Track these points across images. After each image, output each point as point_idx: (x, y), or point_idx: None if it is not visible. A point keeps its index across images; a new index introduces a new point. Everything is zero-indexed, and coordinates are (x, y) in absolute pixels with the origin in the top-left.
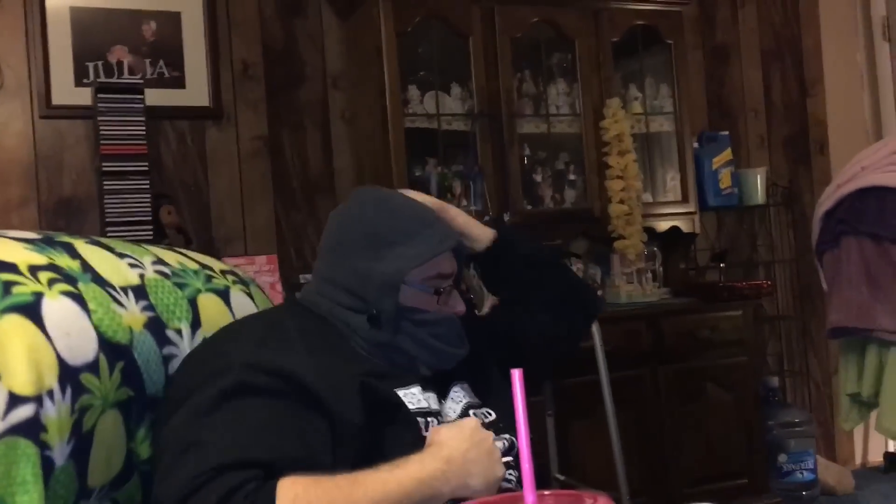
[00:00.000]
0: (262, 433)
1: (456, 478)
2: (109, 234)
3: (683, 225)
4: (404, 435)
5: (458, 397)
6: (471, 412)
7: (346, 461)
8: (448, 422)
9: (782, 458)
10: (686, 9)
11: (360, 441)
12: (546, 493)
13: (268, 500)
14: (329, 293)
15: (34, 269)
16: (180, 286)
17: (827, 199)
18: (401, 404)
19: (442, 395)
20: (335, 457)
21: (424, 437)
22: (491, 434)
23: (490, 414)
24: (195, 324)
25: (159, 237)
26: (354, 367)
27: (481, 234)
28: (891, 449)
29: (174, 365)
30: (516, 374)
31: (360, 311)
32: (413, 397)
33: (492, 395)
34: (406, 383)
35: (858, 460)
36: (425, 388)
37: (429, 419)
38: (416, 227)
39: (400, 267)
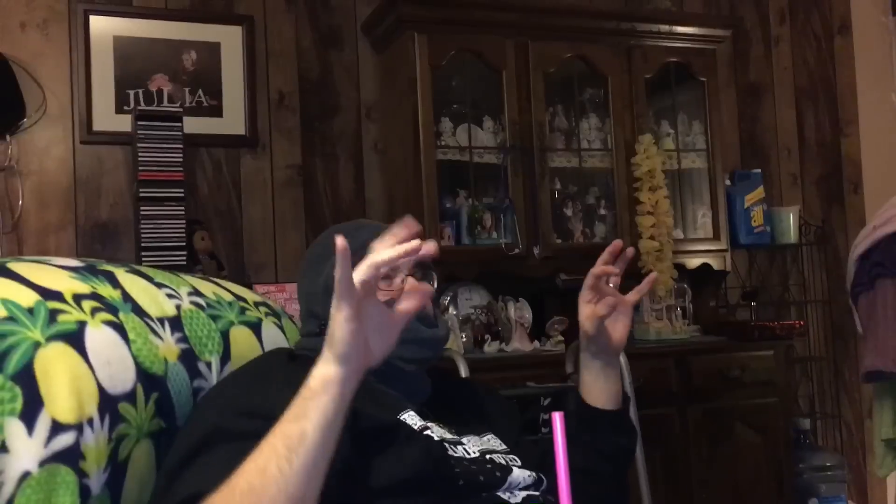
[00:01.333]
0: (223, 470)
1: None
2: (144, 259)
3: (714, 262)
4: (404, 451)
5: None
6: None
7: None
8: (466, 449)
9: (813, 502)
10: (719, 46)
11: (343, 469)
12: None
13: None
14: (303, 332)
15: (78, 298)
16: (214, 318)
17: (862, 241)
18: (399, 424)
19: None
20: None
21: (435, 448)
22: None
23: (516, 460)
24: (225, 357)
25: (192, 263)
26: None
27: (614, 396)
28: None
29: (200, 398)
30: (557, 417)
31: (317, 332)
32: (412, 419)
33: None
34: (400, 409)
35: None
36: (424, 417)
37: (434, 433)
38: (346, 233)
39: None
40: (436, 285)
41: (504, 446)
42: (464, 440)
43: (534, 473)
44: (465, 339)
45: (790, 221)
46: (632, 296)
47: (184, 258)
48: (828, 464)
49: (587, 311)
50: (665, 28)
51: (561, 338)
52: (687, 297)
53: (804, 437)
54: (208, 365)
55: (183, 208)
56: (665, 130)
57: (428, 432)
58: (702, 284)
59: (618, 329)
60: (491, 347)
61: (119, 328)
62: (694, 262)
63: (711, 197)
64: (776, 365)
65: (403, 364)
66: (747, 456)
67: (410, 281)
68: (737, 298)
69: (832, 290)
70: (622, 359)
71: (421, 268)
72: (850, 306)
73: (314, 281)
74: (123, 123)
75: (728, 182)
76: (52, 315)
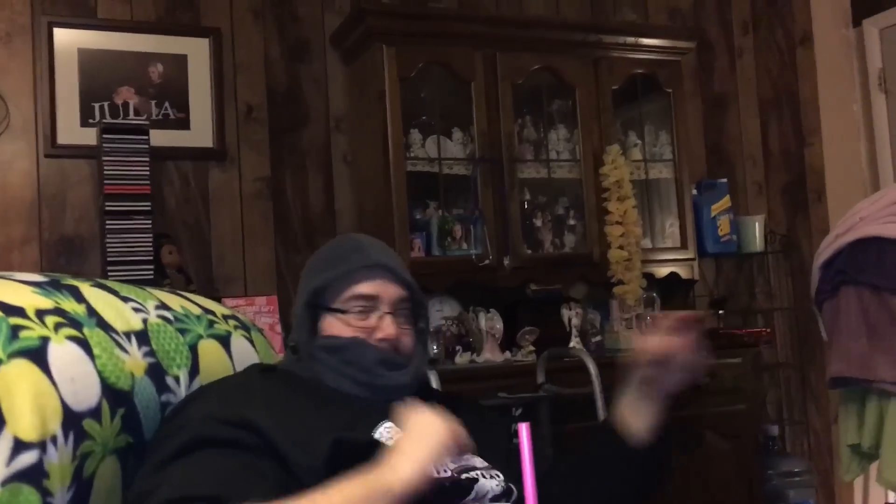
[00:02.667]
0: (210, 475)
1: (391, 456)
2: (110, 273)
3: (682, 271)
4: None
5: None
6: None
7: None
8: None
9: None
10: (685, 58)
11: (318, 483)
12: None
13: None
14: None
15: (41, 313)
16: (182, 332)
17: (826, 249)
18: (375, 443)
19: None
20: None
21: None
22: (432, 414)
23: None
24: (193, 371)
25: (160, 277)
26: (323, 421)
27: (648, 426)
28: (891, 500)
29: (168, 411)
30: (523, 428)
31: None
32: (388, 432)
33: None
34: (376, 421)
35: None
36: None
37: None
38: (339, 254)
39: (312, 288)
40: (428, 324)
41: (484, 463)
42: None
43: (503, 483)
44: (436, 351)
45: (756, 230)
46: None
47: (151, 272)
48: (796, 469)
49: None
50: (631, 40)
51: (532, 348)
52: (656, 305)
53: (773, 444)
54: (176, 379)
55: (150, 222)
56: (632, 141)
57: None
58: (670, 293)
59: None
60: (462, 358)
61: (83, 343)
62: (662, 271)
63: (679, 206)
64: (744, 372)
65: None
66: (718, 463)
67: (387, 320)
68: (705, 307)
69: (798, 297)
70: (592, 369)
71: (411, 305)
72: (814, 313)
73: (297, 299)
74: (89, 137)
75: (695, 191)
76: (14, 331)
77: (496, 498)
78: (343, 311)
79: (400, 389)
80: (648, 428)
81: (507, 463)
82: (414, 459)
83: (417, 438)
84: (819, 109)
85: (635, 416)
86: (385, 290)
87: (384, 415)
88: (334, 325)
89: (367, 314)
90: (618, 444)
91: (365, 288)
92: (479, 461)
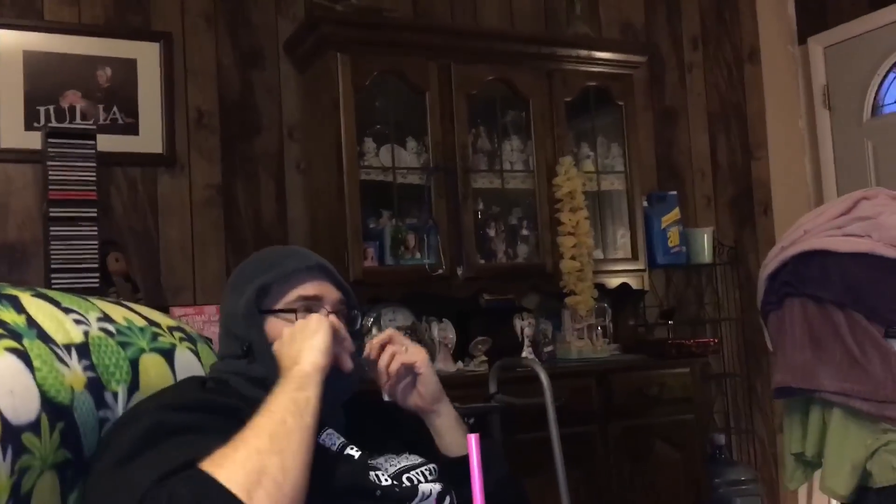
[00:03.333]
0: (186, 448)
1: (299, 368)
2: (54, 281)
3: (633, 282)
4: (325, 471)
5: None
6: (416, 471)
7: None
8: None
9: None
10: (636, 72)
11: None
12: None
13: (193, 477)
14: (221, 354)
15: None
16: (124, 345)
17: (771, 261)
18: (318, 447)
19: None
20: None
21: (356, 464)
22: (303, 319)
23: (435, 470)
24: (133, 387)
25: (106, 285)
26: None
27: (461, 444)
28: None
29: (107, 428)
30: (472, 439)
31: (239, 354)
32: (330, 439)
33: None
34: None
35: None
36: (345, 436)
37: (351, 450)
38: (275, 258)
39: (258, 287)
40: (359, 325)
41: (421, 459)
42: (380, 460)
43: (440, 485)
44: None
45: (705, 242)
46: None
47: (97, 280)
48: (742, 478)
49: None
50: (584, 53)
51: (484, 358)
52: (607, 316)
53: (720, 452)
54: (115, 395)
55: (96, 229)
56: (585, 153)
57: (348, 450)
58: (621, 304)
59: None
60: None
61: (23, 355)
62: (614, 282)
63: (630, 218)
64: (693, 382)
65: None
66: (667, 472)
67: (333, 318)
68: (655, 317)
69: (745, 308)
70: (544, 379)
71: (347, 307)
72: (760, 324)
73: (236, 303)
74: (33, 141)
75: (645, 203)
76: None
77: (440, 498)
78: (290, 312)
79: (346, 394)
80: (449, 442)
81: (436, 455)
82: (308, 346)
83: (301, 333)
84: (766, 124)
85: (442, 442)
86: (327, 291)
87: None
88: (278, 327)
89: (309, 313)
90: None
91: (308, 289)
92: (415, 457)
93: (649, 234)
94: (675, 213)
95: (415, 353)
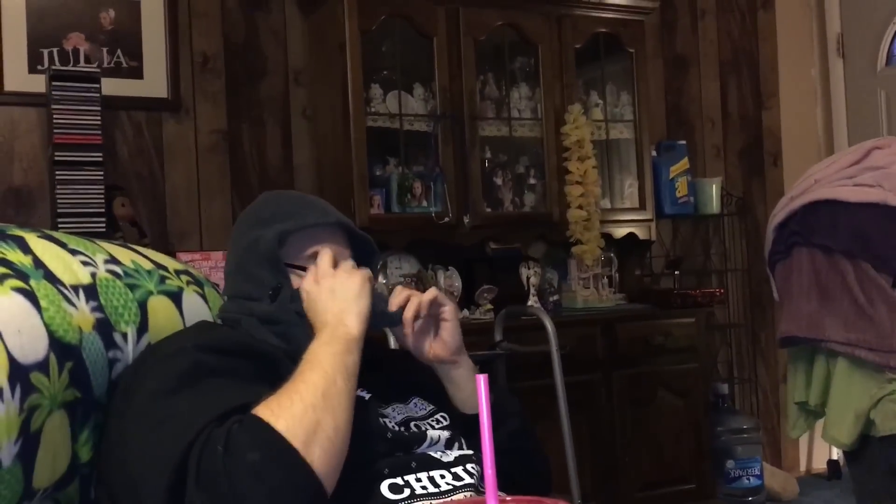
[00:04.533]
0: (231, 392)
1: (342, 326)
2: (60, 226)
3: (640, 232)
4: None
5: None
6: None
7: None
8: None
9: (730, 463)
10: (647, 18)
11: None
12: (508, 498)
13: (252, 424)
14: (230, 293)
15: None
16: (131, 287)
17: (780, 211)
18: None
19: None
20: None
21: (369, 404)
22: (345, 273)
23: (445, 418)
24: (142, 328)
25: (112, 230)
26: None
27: (474, 398)
28: (834, 457)
29: (118, 369)
30: (481, 379)
31: (258, 297)
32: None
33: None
34: None
35: (803, 467)
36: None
37: (360, 391)
38: (295, 208)
39: (278, 233)
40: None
41: (428, 408)
42: (387, 409)
43: (448, 432)
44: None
45: (713, 192)
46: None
47: (103, 225)
48: (744, 427)
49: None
50: None
51: (490, 306)
52: (613, 266)
53: (723, 402)
54: (124, 336)
55: (101, 173)
56: (594, 101)
57: (358, 392)
58: (627, 253)
59: (429, 345)
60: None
61: (30, 295)
62: (620, 232)
63: (638, 167)
64: (697, 332)
65: None
66: (669, 420)
67: (349, 264)
68: (661, 267)
69: (751, 259)
70: (549, 327)
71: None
72: (767, 275)
73: (255, 242)
74: (37, 84)
75: (654, 153)
76: None
77: (448, 444)
78: (304, 269)
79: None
80: (462, 398)
81: (445, 401)
82: (354, 310)
83: (344, 291)
84: (778, 73)
85: (459, 395)
86: (343, 252)
87: None
88: (295, 280)
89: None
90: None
91: (328, 248)
92: (423, 405)
93: (657, 184)
94: (684, 163)
95: (445, 297)
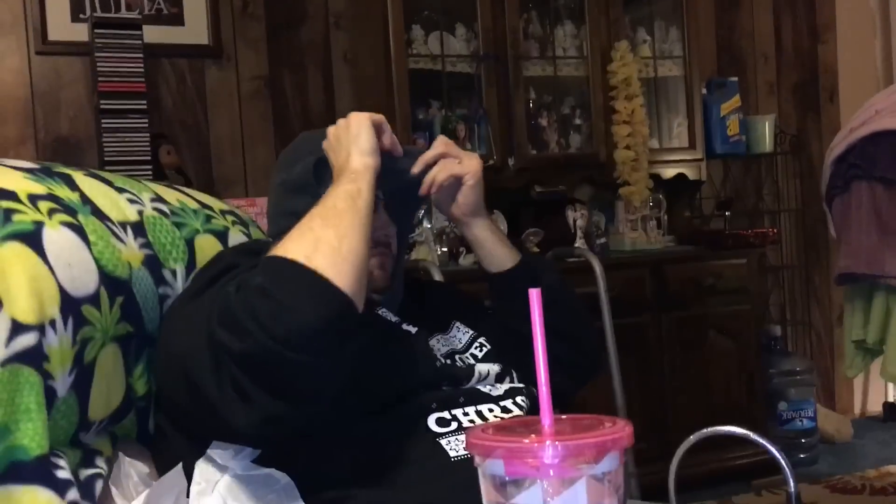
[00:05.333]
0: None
1: (341, 161)
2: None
3: (690, 172)
4: (372, 329)
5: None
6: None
7: None
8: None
9: (783, 405)
10: None
11: None
12: (563, 416)
13: (261, 262)
14: (272, 233)
15: (34, 198)
16: (178, 226)
17: (839, 144)
18: (377, 317)
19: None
20: None
21: (416, 338)
22: (343, 119)
23: (485, 345)
24: (190, 266)
25: (158, 177)
26: None
27: (503, 257)
28: (890, 399)
29: (168, 305)
30: (534, 294)
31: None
32: (386, 314)
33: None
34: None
35: (857, 410)
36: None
37: (406, 325)
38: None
39: (315, 159)
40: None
41: (469, 333)
42: (432, 341)
43: (498, 366)
44: (440, 253)
45: (765, 130)
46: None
47: (150, 173)
48: (797, 368)
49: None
50: None
51: (536, 249)
52: (662, 207)
53: (775, 344)
54: (173, 273)
55: (146, 121)
56: (641, 37)
57: (405, 326)
58: (676, 194)
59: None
60: (466, 260)
61: (78, 230)
62: (669, 172)
63: (687, 106)
64: (749, 273)
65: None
66: (720, 362)
67: (371, 114)
68: (711, 208)
69: (805, 199)
70: (597, 268)
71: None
72: (823, 214)
73: (290, 172)
74: (80, 33)
75: (704, 91)
76: (7, 215)
77: (499, 378)
78: None
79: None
80: (495, 255)
81: (486, 325)
82: (356, 149)
83: (346, 136)
84: (834, 4)
85: (482, 254)
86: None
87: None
88: None
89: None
90: (494, 282)
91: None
92: (464, 331)
93: (707, 123)
94: (736, 101)
95: (467, 164)
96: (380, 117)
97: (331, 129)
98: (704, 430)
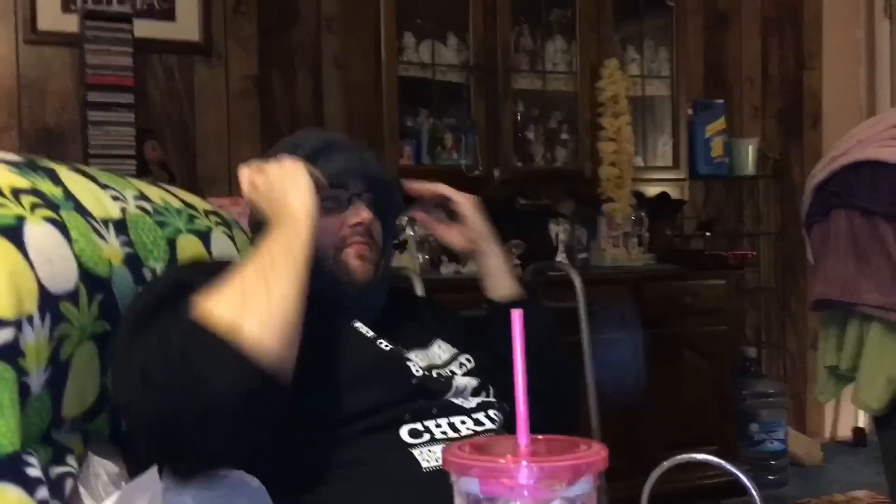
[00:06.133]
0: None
1: (282, 217)
2: (92, 167)
3: (672, 191)
4: (361, 349)
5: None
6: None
7: None
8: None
9: (754, 427)
10: None
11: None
12: (539, 437)
13: (180, 314)
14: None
15: (17, 192)
16: (161, 224)
17: (820, 171)
18: (353, 329)
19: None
20: None
21: (392, 350)
22: (275, 163)
23: (468, 363)
24: (170, 265)
25: (143, 172)
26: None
27: (506, 288)
28: (860, 424)
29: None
30: (516, 315)
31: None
32: (363, 328)
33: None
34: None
35: (828, 434)
36: (374, 329)
37: (382, 342)
38: (291, 142)
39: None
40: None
41: (451, 352)
42: (410, 355)
43: (476, 380)
44: (422, 260)
45: (749, 153)
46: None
47: (134, 167)
48: (770, 391)
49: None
50: None
51: (517, 262)
52: (644, 225)
53: (749, 365)
54: (153, 272)
55: (133, 115)
56: (631, 56)
57: (379, 342)
58: (658, 213)
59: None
60: (448, 269)
61: (60, 226)
62: (652, 191)
63: (673, 125)
64: (726, 294)
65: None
66: (694, 381)
67: (358, 204)
68: (692, 228)
69: (785, 223)
70: (577, 283)
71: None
72: (802, 239)
73: None
74: (70, 24)
75: (690, 111)
76: None
77: (475, 391)
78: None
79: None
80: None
81: (470, 343)
82: (295, 193)
83: (280, 181)
84: (822, 32)
85: (488, 283)
86: (323, 179)
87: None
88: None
89: (337, 203)
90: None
91: (329, 167)
92: (445, 348)
93: (692, 143)
94: (721, 123)
95: (461, 194)
96: (313, 169)
97: (256, 177)
98: (677, 457)
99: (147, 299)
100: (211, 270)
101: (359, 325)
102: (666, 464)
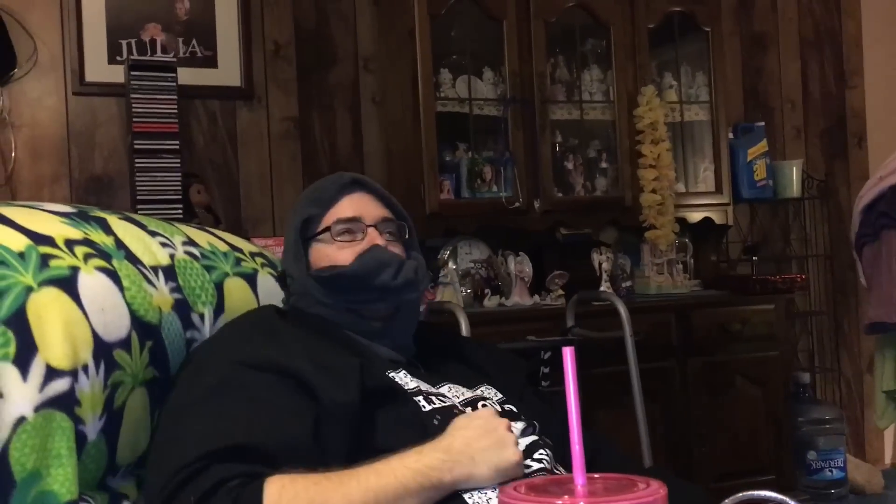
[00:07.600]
0: (243, 422)
1: (459, 466)
2: (140, 212)
3: (716, 216)
4: (402, 413)
5: (455, 391)
6: (480, 404)
7: (339, 445)
8: (452, 404)
9: (811, 455)
10: None
11: (354, 423)
12: (596, 476)
13: (254, 497)
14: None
15: (70, 243)
16: (209, 269)
17: (868, 192)
18: (394, 386)
19: (432, 384)
20: (327, 441)
21: (424, 415)
22: (505, 421)
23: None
24: (218, 309)
25: (189, 216)
26: (346, 352)
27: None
28: None
29: (193, 349)
30: (567, 352)
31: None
32: (402, 380)
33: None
34: (392, 368)
35: (888, 460)
36: (413, 374)
37: (425, 398)
38: (319, 185)
39: (303, 217)
40: (407, 234)
41: (500, 395)
42: (443, 388)
43: (523, 422)
44: (465, 294)
45: (793, 175)
46: None
47: (180, 212)
48: (826, 417)
49: None
50: None
51: (561, 292)
52: (688, 251)
53: (803, 391)
54: (201, 316)
55: (178, 161)
56: (668, 82)
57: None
58: (703, 239)
59: None
60: (491, 301)
61: (112, 275)
62: (696, 216)
63: (714, 150)
64: (776, 319)
65: (369, 320)
66: (747, 409)
67: (371, 232)
68: (738, 253)
69: (834, 244)
70: (623, 312)
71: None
72: (852, 260)
73: (287, 237)
74: (116, 74)
75: (731, 135)
76: (44, 260)
77: (524, 433)
78: (326, 230)
79: (403, 290)
80: None
81: (520, 399)
82: (492, 465)
83: (484, 446)
84: (862, 50)
85: None
86: (365, 208)
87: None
88: (321, 252)
89: (352, 235)
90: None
91: (345, 208)
92: (492, 392)
93: (734, 167)
94: (763, 145)
95: None
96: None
97: (477, 422)
98: (739, 495)
99: (191, 388)
100: (260, 367)
101: (394, 374)
102: (728, 502)
